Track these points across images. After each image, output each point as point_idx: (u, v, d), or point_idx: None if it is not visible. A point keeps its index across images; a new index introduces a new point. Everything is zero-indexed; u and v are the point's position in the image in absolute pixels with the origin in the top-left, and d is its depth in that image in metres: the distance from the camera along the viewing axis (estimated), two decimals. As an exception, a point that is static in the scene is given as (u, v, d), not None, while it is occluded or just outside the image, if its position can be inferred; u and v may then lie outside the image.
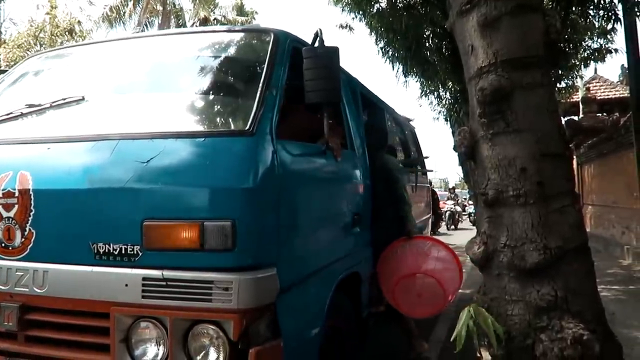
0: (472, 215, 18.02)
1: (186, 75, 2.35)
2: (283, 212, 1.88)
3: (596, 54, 8.14)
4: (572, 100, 12.07)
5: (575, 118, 10.59)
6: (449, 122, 11.02)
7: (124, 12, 17.96)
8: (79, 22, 13.68)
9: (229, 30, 2.90)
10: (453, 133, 9.53)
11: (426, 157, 6.09)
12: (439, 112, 11.46)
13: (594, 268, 2.46)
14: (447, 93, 9.93)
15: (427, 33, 7.05)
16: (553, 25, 2.44)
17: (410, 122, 5.98)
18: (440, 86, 9.36)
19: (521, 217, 2.35)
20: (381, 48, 7.42)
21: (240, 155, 1.78)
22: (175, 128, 1.90)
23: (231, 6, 21.09)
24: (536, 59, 2.40)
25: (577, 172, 11.28)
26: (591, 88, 13.14)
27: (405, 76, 7.82)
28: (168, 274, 1.68)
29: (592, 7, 6.44)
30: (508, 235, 2.38)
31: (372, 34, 7.26)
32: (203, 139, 1.80)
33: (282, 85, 2.06)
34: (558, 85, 8.57)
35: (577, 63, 8.34)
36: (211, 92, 2.23)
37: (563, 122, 2.59)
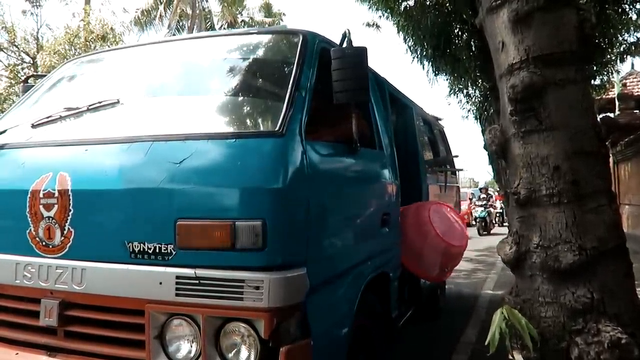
0: (498, 215, 17.65)
1: (217, 78, 2.40)
2: (312, 212, 1.90)
3: (633, 48, 7.86)
4: (607, 96, 11.72)
5: (611, 115, 10.28)
6: (478, 121, 10.85)
7: (155, 16, 18.35)
8: (112, 28, 14.02)
9: (258, 32, 2.94)
10: (483, 131, 9.37)
11: (455, 156, 6.02)
12: (468, 110, 11.29)
13: (632, 269, 2.39)
14: (477, 91, 9.78)
15: (455, 30, 6.96)
16: (588, 20, 2.38)
17: (440, 122, 5.91)
18: (469, 84, 9.22)
19: (555, 216, 2.30)
20: (409, 47, 7.36)
21: (270, 155, 1.80)
22: (207, 129, 1.94)
23: (258, 7, 21.27)
24: (569, 54, 2.34)
25: (614, 171, 10.94)
26: (628, 84, 12.74)
27: (435, 74, 7.73)
28: (200, 272, 1.72)
29: (627, 2, 6.25)
30: (541, 236, 2.33)
31: (400, 32, 7.21)
32: (234, 140, 1.84)
33: (311, 86, 2.09)
34: (593, 81, 8.32)
35: (613, 58, 8.08)
36: (241, 94, 2.28)
37: (598, 120, 2.52)
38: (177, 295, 1.74)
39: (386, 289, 2.79)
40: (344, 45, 2.15)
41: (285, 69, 2.17)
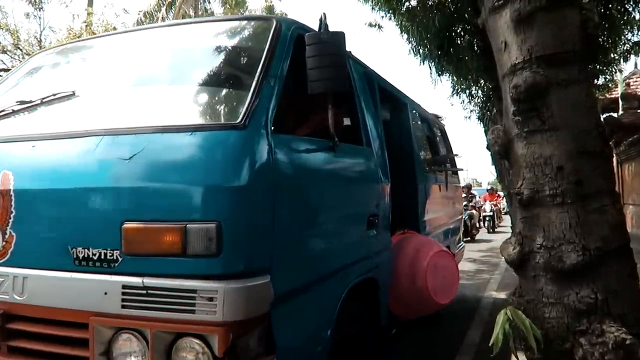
0: (488, 218, 15.46)
1: (181, 67, 2.23)
2: (280, 214, 1.72)
3: (637, 48, 7.84)
4: (611, 96, 11.68)
5: (615, 115, 10.24)
6: (481, 121, 10.83)
7: (157, 18, 18.40)
8: (114, 28, 14.06)
9: (230, 19, 2.80)
10: (486, 132, 9.36)
11: (456, 155, 5.80)
12: (471, 110, 11.28)
13: (636, 270, 2.38)
14: (480, 91, 9.76)
15: (458, 31, 6.95)
16: (591, 20, 2.37)
17: (440, 120, 5.74)
18: (472, 84, 9.20)
19: (558, 217, 2.29)
20: (412, 47, 7.35)
21: (228, 150, 1.62)
22: (163, 122, 1.77)
23: (261, 9, 21.29)
24: (572, 54, 2.33)
25: (617, 171, 10.89)
26: (631, 83, 12.68)
27: (438, 75, 7.72)
28: (149, 281, 1.55)
29: (631, 2, 6.23)
30: (544, 236, 2.32)
31: (403, 33, 7.20)
32: (190, 134, 1.65)
33: (283, 75, 1.92)
34: (596, 81, 8.30)
35: (616, 57, 8.06)
36: (205, 84, 2.08)
37: (602, 119, 2.51)
38: (123, 307, 1.56)
39: (374, 295, 2.63)
40: (321, 30, 1.98)
41: (255, 56, 1.96)
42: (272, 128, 1.74)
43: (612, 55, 7.77)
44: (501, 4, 2.45)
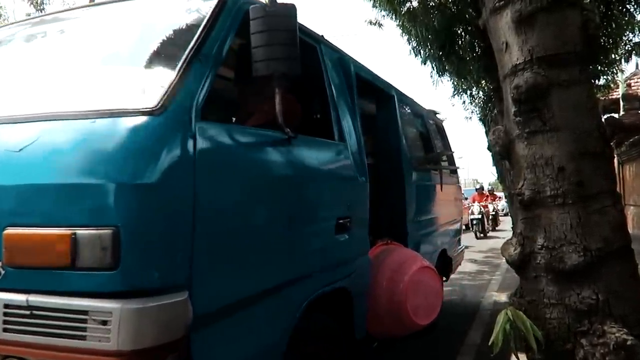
0: (476, 222, 13.87)
1: (99, 46, 1.92)
2: (204, 217, 1.44)
3: (638, 48, 7.84)
4: (612, 97, 11.68)
5: (616, 115, 10.24)
6: (482, 122, 10.84)
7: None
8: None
9: None
10: (487, 132, 9.36)
11: (451, 153, 5.41)
12: (472, 111, 11.29)
13: (637, 270, 2.38)
14: (480, 92, 9.77)
15: (459, 31, 6.95)
16: (592, 20, 2.37)
17: (437, 116, 5.43)
18: (473, 85, 9.21)
19: (559, 217, 2.29)
20: (413, 48, 7.36)
21: (135, 140, 1.35)
22: (66, 108, 1.50)
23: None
24: (574, 55, 2.33)
25: (618, 172, 10.88)
26: (632, 84, 12.68)
27: (439, 75, 7.73)
28: (35, 300, 1.28)
29: (632, 2, 6.24)
30: (545, 237, 2.32)
31: (404, 34, 7.21)
32: (93, 121, 1.39)
33: (222, 54, 1.68)
34: (597, 81, 8.30)
35: (617, 58, 8.06)
36: (125, 64, 1.78)
37: (603, 120, 2.52)
38: (5, 330, 1.30)
39: (347, 307, 2.37)
40: (267, 2, 1.73)
41: (190, 33, 1.69)
42: (201, 115, 1.49)
43: (613, 56, 7.78)
44: (502, 5, 2.45)
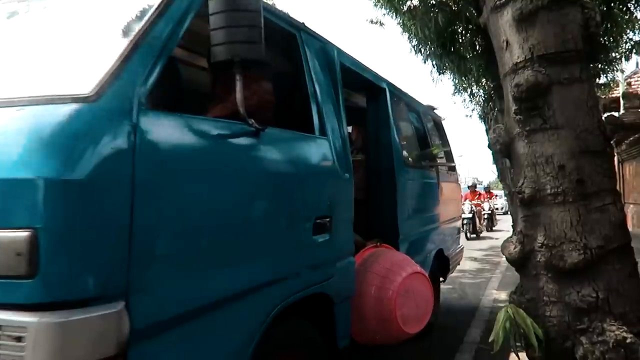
0: (466, 221, 12.96)
1: (41, 29, 1.73)
2: (145, 217, 1.28)
3: (638, 47, 7.84)
4: (612, 95, 11.68)
5: (616, 114, 10.24)
6: (483, 120, 10.84)
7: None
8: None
9: None
10: (487, 131, 9.37)
11: (448, 149, 5.17)
12: (472, 109, 11.29)
13: (637, 269, 2.38)
14: (481, 90, 9.77)
15: (460, 30, 6.95)
16: (592, 19, 2.37)
17: (435, 111, 5.22)
18: (473, 83, 9.20)
19: (559, 215, 2.29)
20: (414, 46, 7.35)
21: (62, 130, 1.18)
22: None
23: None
24: (574, 53, 2.34)
25: (618, 170, 10.90)
26: (632, 83, 12.68)
27: (439, 73, 7.72)
28: None
29: (633, 1, 6.23)
30: (546, 235, 2.33)
31: (405, 32, 7.20)
32: (19, 108, 1.23)
33: (177, 37, 1.54)
34: (597, 80, 8.30)
35: (618, 57, 8.06)
36: (66, 48, 1.57)
37: (603, 118, 2.52)
38: None
39: (328, 313, 2.21)
40: None
41: (141, 15, 1.53)
42: (146, 104, 1.35)
43: (613, 55, 7.78)
44: (503, 3, 2.45)
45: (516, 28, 2.41)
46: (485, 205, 14.69)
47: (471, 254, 9.73)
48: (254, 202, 1.74)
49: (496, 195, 18.10)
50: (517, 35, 2.41)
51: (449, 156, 5.18)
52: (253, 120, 1.64)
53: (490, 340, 2.29)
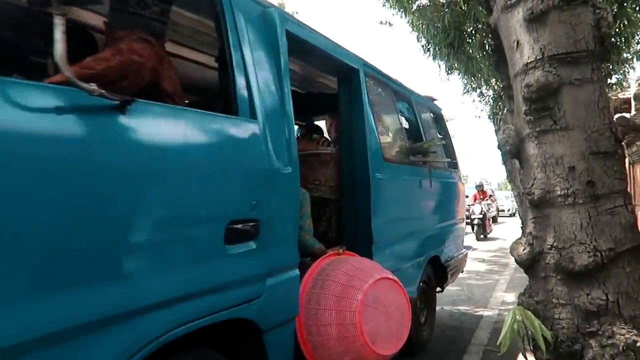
0: (477, 222, 12.45)
1: None
2: None
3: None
4: (623, 96, 11.56)
5: (627, 115, 10.13)
6: (492, 120, 10.79)
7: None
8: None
9: None
10: (496, 131, 9.32)
11: (444, 143, 4.52)
12: (481, 109, 11.24)
13: (648, 272, 2.36)
14: (490, 90, 9.73)
15: (469, 29, 6.93)
16: (604, 19, 2.35)
17: (434, 102, 4.74)
18: (482, 83, 9.17)
19: (569, 217, 2.27)
20: (422, 45, 7.34)
21: None
22: None
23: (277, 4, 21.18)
24: (586, 53, 2.31)
25: (629, 172, 10.79)
26: (644, 83, 12.53)
27: (448, 73, 7.71)
28: None
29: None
30: (555, 237, 2.31)
31: (414, 31, 7.20)
32: None
33: None
34: (609, 79, 8.22)
35: (630, 57, 7.98)
36: None
37: (614, 119, 2.49)
38: None
39: (257, 344, 1.80)
40: None
41: None
42: None
43: (625, 55, 7.70)
44: (514, 3, 2.44)
45: (527, 28, 2.39)
46: (476, 208, 12.95)
47: (479, 255, 9.69)
48: (112, 202, 1.27)
49: (491, 196, 16.25)
50: (527, 35, 2.40)
51: (449, 152, 4.63)
52: (94, 86, 1.19)
53: (498, 342, 2.28)
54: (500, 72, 6.32)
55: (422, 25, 6.85)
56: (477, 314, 5.06)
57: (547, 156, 2.34)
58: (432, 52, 7.31)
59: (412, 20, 7.01)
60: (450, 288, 5.02)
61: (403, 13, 7.08)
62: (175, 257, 1.45)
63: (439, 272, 4.04)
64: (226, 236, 1.61)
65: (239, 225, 1.67)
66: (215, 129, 1.66)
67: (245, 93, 1.82)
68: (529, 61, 2.38)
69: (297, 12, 21.54)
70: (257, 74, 1.91)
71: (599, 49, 2.35)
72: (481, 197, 14.48)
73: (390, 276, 2.31)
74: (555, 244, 2.31)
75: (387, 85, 3.48)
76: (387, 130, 3.46)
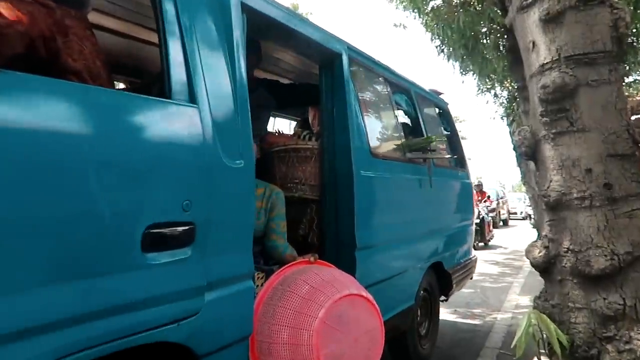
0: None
1: None
2: None
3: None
4: (641, 97, 11.38)
5: (645, 116, 9.97)
6: (506, 121, 10.70)
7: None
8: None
9: None
10: (511, 132, 9.25)
11: (442, 138, 3.95)
12: (495, 111, 11.16)
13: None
14: (505, 91, 9.66)
15: (483, 30, 6.88)
16: (622, 19, 2.32)
17: (441, 96, 4.34)
18: (496, 84, 9.11)
19: (586, 220, 2.25)
20: (437, 46, 7.32)
21: None
22: None
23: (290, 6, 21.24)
24: (603, 54, 2.29)
25: (647, 174, 10.60)
26: (663, 84, 12.32)
27: (462, 74, 7.67)
28: None
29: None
30: (572, 240, 2.29)
31: (428, 32, 7.18)
32: None
33: None
34: (627, 78, 8.11)
35: (647, 58, 7.86)
36: None
37: (632, 121, 2.46)
38: None
39: None
40: None
41: None
42: None
43: (643, 56, 7.59)
44: (530, 3, 2.42)
45: (543, 29, 2.37)
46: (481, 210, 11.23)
47: (493, 258, 9.61)
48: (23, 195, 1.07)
49: (489, 197, 14.63)
50: (544, 36, 2.37)
51: (456, 150, 4.25)
52: None
53: (512, 345, 2.26)
54: (514, 73, 6.27)
55: (436, 26, 6.83)
56: (491, 317, 5.02)
57: (564, 158, 2.32)
58: (446, 53, 7.28)
59: (426, 21, 6.99)
60: (463, 290, 4.96)
61: (417, 14, 7.06)
62: (65, 269, 1.15)
63: (442, 279, 3.66)
64: (144, 243, 1.31)
65: (165, 230, 1.38)
66: (129, 113, 1.34)
67: (181, 73, 1.53)
68: (545, 62, 2.36)
69: (310, 13, 21.60)
70: (201, 52, 1.61)
71: (616, 49, 2.32)
72: (479, 198, 12.65)
73: (364, 294, 1.93)
74: (571, 247, 2.28)
75: (379, 74, 3.13)
76: (377, 124, 3.09)
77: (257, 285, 1.95)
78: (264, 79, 3.10)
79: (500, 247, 11.34)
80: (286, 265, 2.01)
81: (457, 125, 4.75)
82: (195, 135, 1.51)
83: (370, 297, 1.96)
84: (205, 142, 1.54)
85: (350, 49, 2.69)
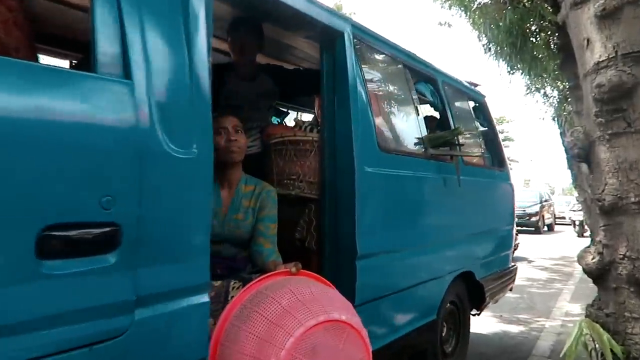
0: None
1: None
2: None
3: None
4: None
5: None
6: (556, 122, 10.33)
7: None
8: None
9: None
10: (561, 134, 8.92)
11: (459, 137, 3.09)
12: (545, 111, 10.80)
13: None
14: (555, 91, 9.33)
15: (533, 27, 6.68)
16: (686, 14, 2.19)
17: (477, 89, 3.91)
18: (546, 84, 8.81)
19: (644, 226, 2.14)
20: (483, 45, 7.15)
21: None
22: None
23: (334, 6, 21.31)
24: (664, 51, 2.17)
25: None
26: None
27: (510, 73, 7.47)
28: None
29: None
30: (628, 246, 2.18)
31: (474, 30, 7.03)
32: None
33: None
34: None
35: None
36: None
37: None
38: None
39: None
40: None
41: None
42: None
43: None
44: (584, -1, 2.33)
45: (598, 25, 2.28)
46: None
47: (540, 263, 9.31)
48: None
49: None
50: (599, 33, 2.28)
51: (494, 147, 3.89)
52: None
53: (561, 354, 2.18)
54: (566, 71, 6.05)
55: (483, 24, 6.68)
56: (539, 323, 4.86)
57: (620, 160, 2.21)
58: (493, 52, 7.10)
59: (473, 19, 6.85)
60: (509, 295, 4.75)
61: (463, 12, 6.93)
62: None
63: (473, 291, 3.31)
64: (40, 247, 1.05)
65: (72, 232, 1.12)
66: (33, 88, 1.07)
67: (113, 43, 1.26)
68: (600, 60, 2.26)
69: (354, 13, 21.56)
70: (144, 18, 1.33)
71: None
72: None
73: (348, 320, 1.49)
74: (628, 253, 2.18)
75: (396, 59, 2.75)
76: (391, 115, 2.74)
77: (232, 297, 1.72)
78: (266, 64, 2.76)
79: (526, 259, 10.16)
80: (262, 276, 1.64)
81: (505, 126, 4.55)
82: (124, 116, 1.23)
83: (355, 322, 1.53)
84: (139, 125, 1.25)
85: (356, 27, 2.36)
